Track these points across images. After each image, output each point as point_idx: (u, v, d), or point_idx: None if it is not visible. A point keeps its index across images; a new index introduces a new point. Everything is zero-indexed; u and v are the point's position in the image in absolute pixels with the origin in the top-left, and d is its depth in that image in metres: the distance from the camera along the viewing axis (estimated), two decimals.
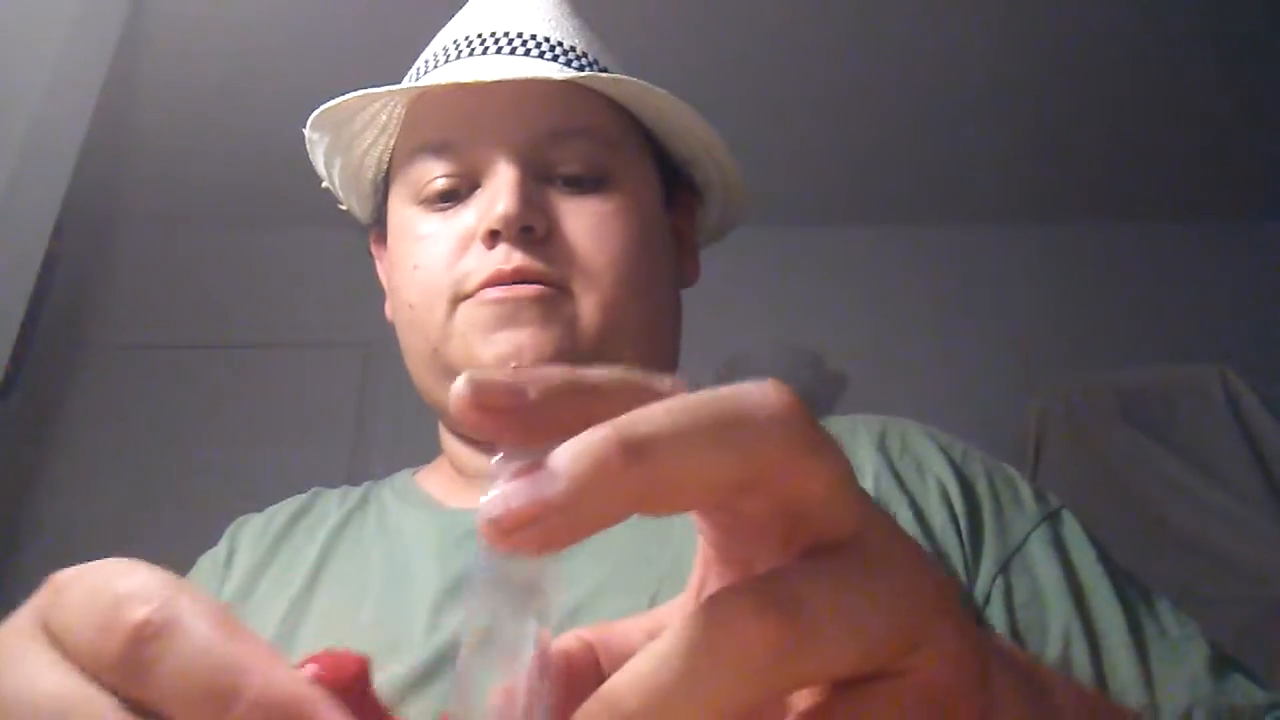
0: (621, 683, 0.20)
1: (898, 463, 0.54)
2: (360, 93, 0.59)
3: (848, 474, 0.22)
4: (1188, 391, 1.61)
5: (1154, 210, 1.94)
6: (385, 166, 0.64)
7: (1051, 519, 0.52)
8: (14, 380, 1.33)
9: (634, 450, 0.19)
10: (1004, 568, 0.49)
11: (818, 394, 1.73)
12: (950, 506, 0.52)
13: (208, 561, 0.61)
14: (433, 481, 0.62)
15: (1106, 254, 1.97)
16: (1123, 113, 1.75)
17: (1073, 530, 0.52)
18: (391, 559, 0.54)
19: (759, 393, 0.22)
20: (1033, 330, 1.91)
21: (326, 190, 0.69)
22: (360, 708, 0.23)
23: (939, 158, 1.87)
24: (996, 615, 0.48)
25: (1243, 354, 1.66)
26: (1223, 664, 0.45)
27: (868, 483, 0.53)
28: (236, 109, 1.70)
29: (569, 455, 0.19)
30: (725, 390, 0.21)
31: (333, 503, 0.63)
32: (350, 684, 0.24)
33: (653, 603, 0.47)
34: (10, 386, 1.33)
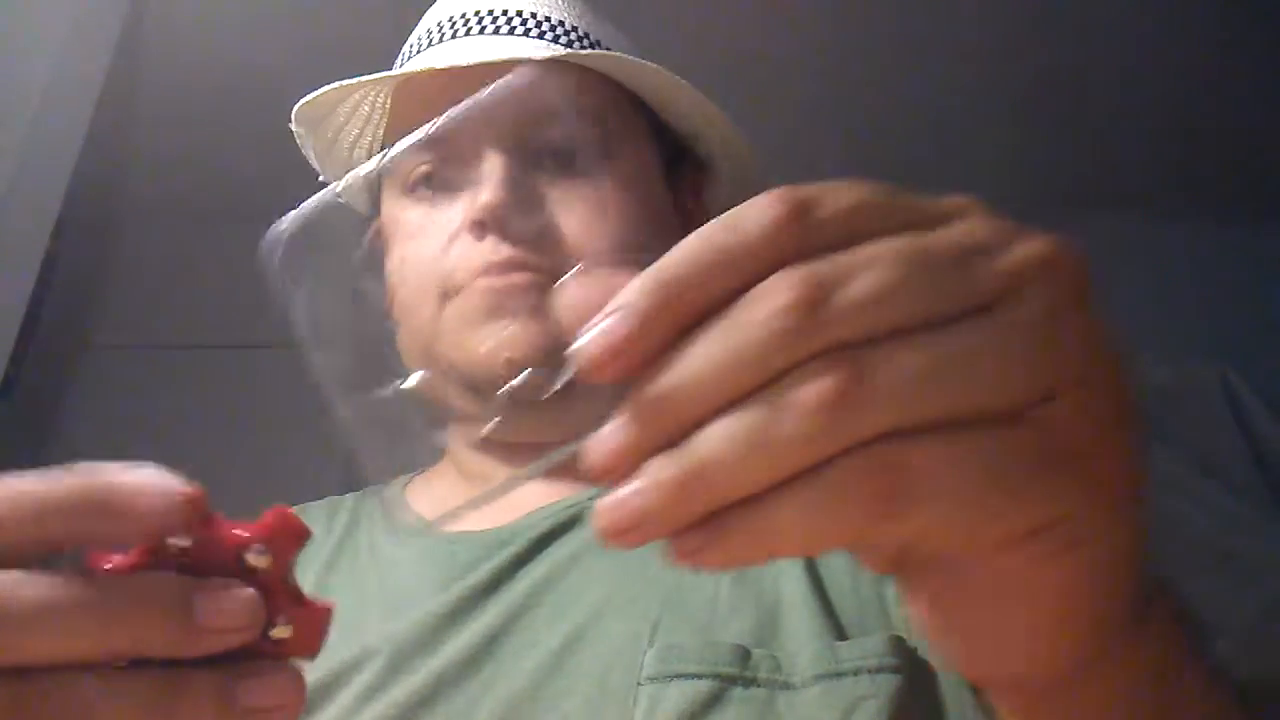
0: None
1: None
2: (334, 85, 0.58)
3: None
4: (1188, 391, 1.60)
5: (1154, 210, 1.94)
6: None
7: None
8: (14, 380, 1.33)
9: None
10: None
11: None
12: None
13: None
14: (428, 496, 0.60)
15: (1106, 254, 1.97)
16: (1123, 113, 1.75)
17: None
18: (388, 591, 0.53)
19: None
20: None
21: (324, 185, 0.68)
22: (278, 563, 0.27)
23: (939, 157, 1.87)
24: None
25: (1243, 354, 1.66)
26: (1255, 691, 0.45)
27: None
28: (237, 109, 1.70)
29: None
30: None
31: (319, 526, 0.61)
32: (272, 535, 0.27)
33: (655, 627, 0.46)
34: (10, 386, 1.33)
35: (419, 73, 0.56)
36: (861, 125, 1.79)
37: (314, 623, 0.28)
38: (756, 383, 0.21)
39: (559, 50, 0.56)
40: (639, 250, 0.56)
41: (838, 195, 0.22)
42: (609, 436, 0.22)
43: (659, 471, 0.21)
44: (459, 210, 0.54)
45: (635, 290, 0.22)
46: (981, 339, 0.21)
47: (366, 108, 0.60)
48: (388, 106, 0.60)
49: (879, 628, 0.45)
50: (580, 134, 0.55)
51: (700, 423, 0.21)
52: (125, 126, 1.71)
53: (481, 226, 0.52)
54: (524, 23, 0.58)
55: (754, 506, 0.21)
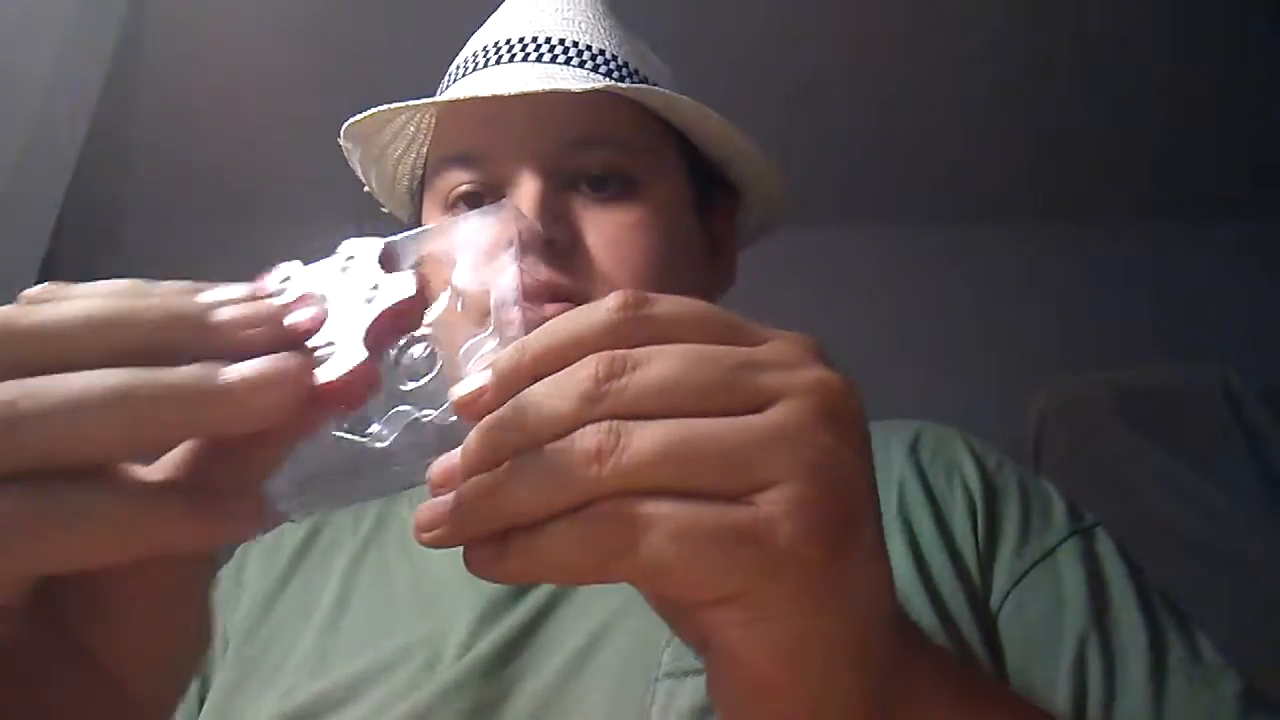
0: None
1: (928, 467, 0.54)
2: (383, 108, 0.59)
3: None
4: (1188, 391, 1.61)
5: (1154, 210, 1.94)
6: (420, 173, 0.64)
7: (1084, 534, 0.51)
8: None
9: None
10: (1019, 580, 0.49)
11: None
12: (974, 515, 0.51)
13: (225, 578, 0.61)
14: None
15: (1106, 254, 1.97)
16: (1123, 113, 1.75)
17: (1105, 547, 0.51)
18: (420, 587, 0.54)
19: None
20: (1033, 330, 1.91)
21: (368, 193, 0.70)
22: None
23: (939, 158, 1.87)
24: (1009, 626, 0.48)
25: (1243, 354, 1.66)
26: (1257, 702, 0.44)
27: (892, 491, 0.52)
28: (237, 109, 1.70)
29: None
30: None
31: (346, 523, 0.62)
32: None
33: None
34: None
35: (464, 100, 0.57)
36: (853, 133, 1.79)
37: (360, 377, 0.26)
38: (556, 432, 0.26)
39: (599, 80, 0.57)
40: (665, 277, 0.57)
41: (673, 304, 0.28)
42: (445, 459, 0.28)
43: (465, 488, 0.27)
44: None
45: (503, 355, 0.28)
46: (725, 430, 0.26)
47: (412, 128, 0.62)
48: (432, 126, 0.61)
49: None
50: (615, 162, 0.56)
51: (510, 454, 0.26)
52: (125, 126, 1.71)
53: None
54: (565, 51, 0.59)
55: (530, 532, 0.26)
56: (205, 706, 0.53)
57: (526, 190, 0.54)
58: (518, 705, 0.46)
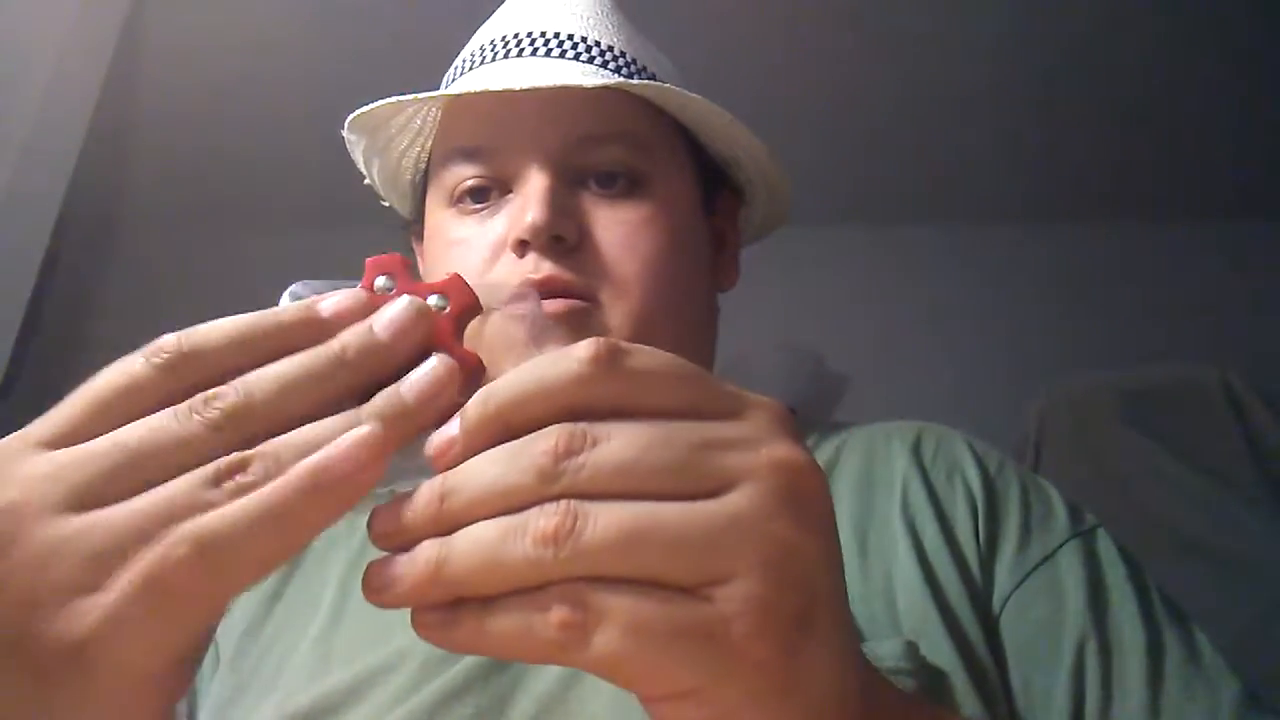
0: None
1: (930, 467, 0.54)
2: (392, 100, 0.59)
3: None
4: (1188, 391, 1.60)
5: (1154, 210, 1.94)
6: (423, 167, 0.64)
7: (1085, 536, 0.51)
8: (14, 380, 1.33)
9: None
10: (1021, 583, 0.49)
11: (818, 395, 1.73)
12: (975, 517, 0.51)
13: None
14: None
15: (1106, 254, 1.97)
16: (1123, 113, 1.75)
17: (1106, 549, 0.51)
18: None
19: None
20: (1033, 330, 1.91)
21: (368, 186, 0.69)
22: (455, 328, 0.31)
23: (939, 158, 1.87)
24: (1011, 629, 0.47)
25: (1243, 354, 1.66)
26: (1256, 704, 0.44)
27: (895, 493, 0.52)
28: (237, 109, 1.70)
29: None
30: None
31: (341, 527, 0.62)
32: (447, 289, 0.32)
33: None
34: (10, 386, 1.33)
35: (473, 93, 0.56)
36: (853, 133, 1.79)
37: (465, 362, 0.29)
38: (510, 507, 0.26)
39: (609, 77, 0.57)
40: (672, 275, 0.56)
41: (647, 358, 0.27)
42: (394, 509, 0.28)
43: (416, 553, 0.26)
44: (503, 226, 0.55)
45: (471, 403, 0.27)
46: (681, 518, 0.25)
47: (418, 121, 0.62)
48: (438, 119, 0.61)
49: (892, 634, 0.45)
50: (624, 159, 0.56)
51: (464, 522, 0.26)
52: (125, 126, 1.71)
53: (524, 245, 0.53)
54: (574, 47, 0.59)
55: (481, 607, 0.26)
56: (202, 715, 0.52)
57: (535, 185, 0.54)
58: (520, 709, 0.45)
